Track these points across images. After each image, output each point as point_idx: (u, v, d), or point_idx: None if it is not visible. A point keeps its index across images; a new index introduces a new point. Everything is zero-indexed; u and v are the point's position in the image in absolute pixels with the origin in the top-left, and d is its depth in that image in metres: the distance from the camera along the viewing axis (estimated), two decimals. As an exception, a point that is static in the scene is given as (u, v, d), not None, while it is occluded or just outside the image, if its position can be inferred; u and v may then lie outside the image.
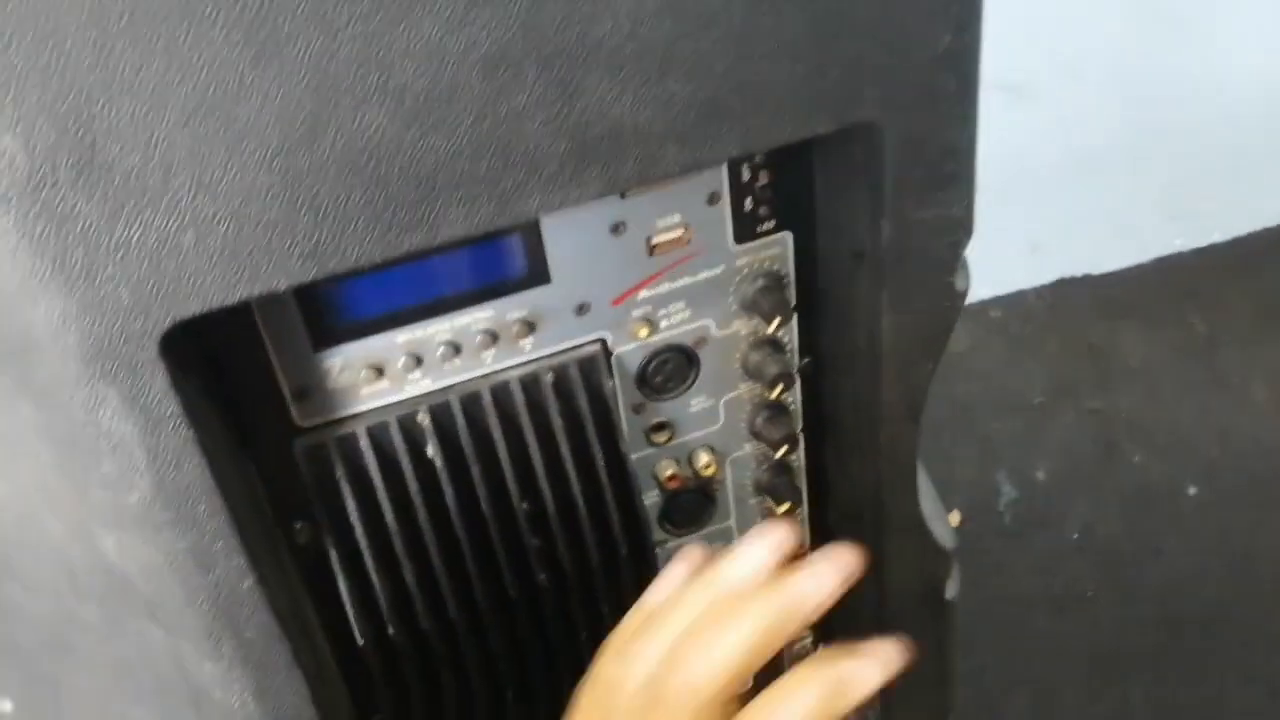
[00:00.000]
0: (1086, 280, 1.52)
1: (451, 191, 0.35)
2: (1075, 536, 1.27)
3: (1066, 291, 1.52)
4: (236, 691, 0.41)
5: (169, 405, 0.35)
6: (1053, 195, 1.39)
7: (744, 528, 0.53)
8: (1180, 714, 1.10)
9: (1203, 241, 1.52)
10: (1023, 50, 1.16)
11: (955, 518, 1.24)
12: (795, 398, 0.50)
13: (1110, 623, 1.18)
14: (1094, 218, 1.44)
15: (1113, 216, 1.44)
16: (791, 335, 0.48)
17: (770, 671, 0.36)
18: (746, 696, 0.36)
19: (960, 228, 0.43)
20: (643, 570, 0.48)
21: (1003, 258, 1.40)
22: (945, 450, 1.34)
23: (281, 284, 0.34)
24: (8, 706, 0.49)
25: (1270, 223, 1.56)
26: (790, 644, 0.57)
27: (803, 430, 0.51)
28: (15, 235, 0.31)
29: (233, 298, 0.34)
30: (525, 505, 0.46)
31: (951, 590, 0.56)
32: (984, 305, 1.51)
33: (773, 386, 0.48)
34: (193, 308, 0.34)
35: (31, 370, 0.35)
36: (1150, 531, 1.27)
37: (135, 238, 0.32)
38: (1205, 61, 1.33)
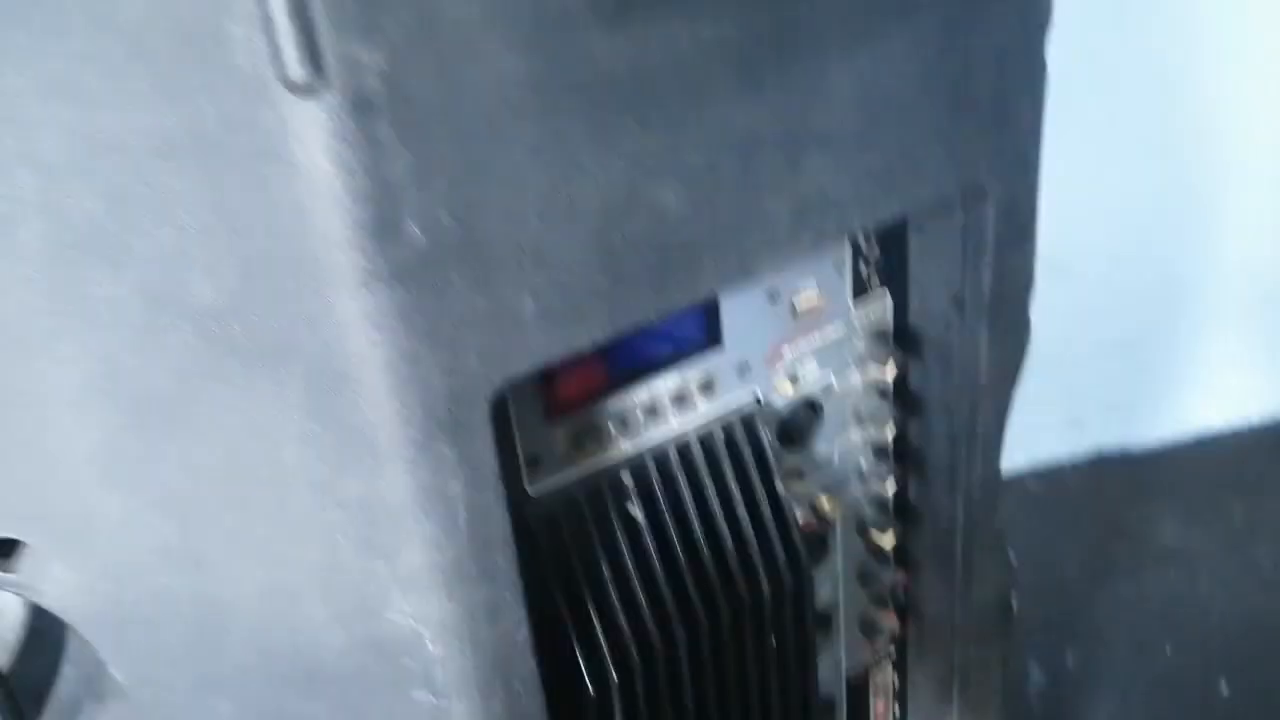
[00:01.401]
0: (1125, 458, 1.51)
1: (711, 253, 0.42)
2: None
3: (1105, 468, 1.50)
4: (505, 747, 0.45)
5: (489, 462, 0.40)
6: (1093, 371, 1.40)
7: (849, 562, 0.60)
8: None
9: (1241, 422, 1.53)
10: (1066, 232, 1.22)
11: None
12: (890, 437, 0.58)
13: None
14: (1134, 395, 1.46)
15: (1153, 394, 1.46)
16: (888, 382, 0.57)
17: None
18: None
19: (1032, 269, 0.53)
20: (803, 603, 0.54)
21: (1042, 429, 1.42)
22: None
23: (586, 341, 0.40)
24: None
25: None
26: (873, 670, 0.64)
27: (898, 464, 0.59)
28: (397, 311, 0.36)
29: (552, 356, 0.40)
30: (706, 550, 0.51)
31: (1015, 602, 0.64)
32: (1021, 477, 1.49)
33: (881, 428, 0.56)
34: (519, 367, 0.39)
35: (370, 446, 0.39)
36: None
37: (490, 306, 0.38)
38: (1233, 242, 1.36)
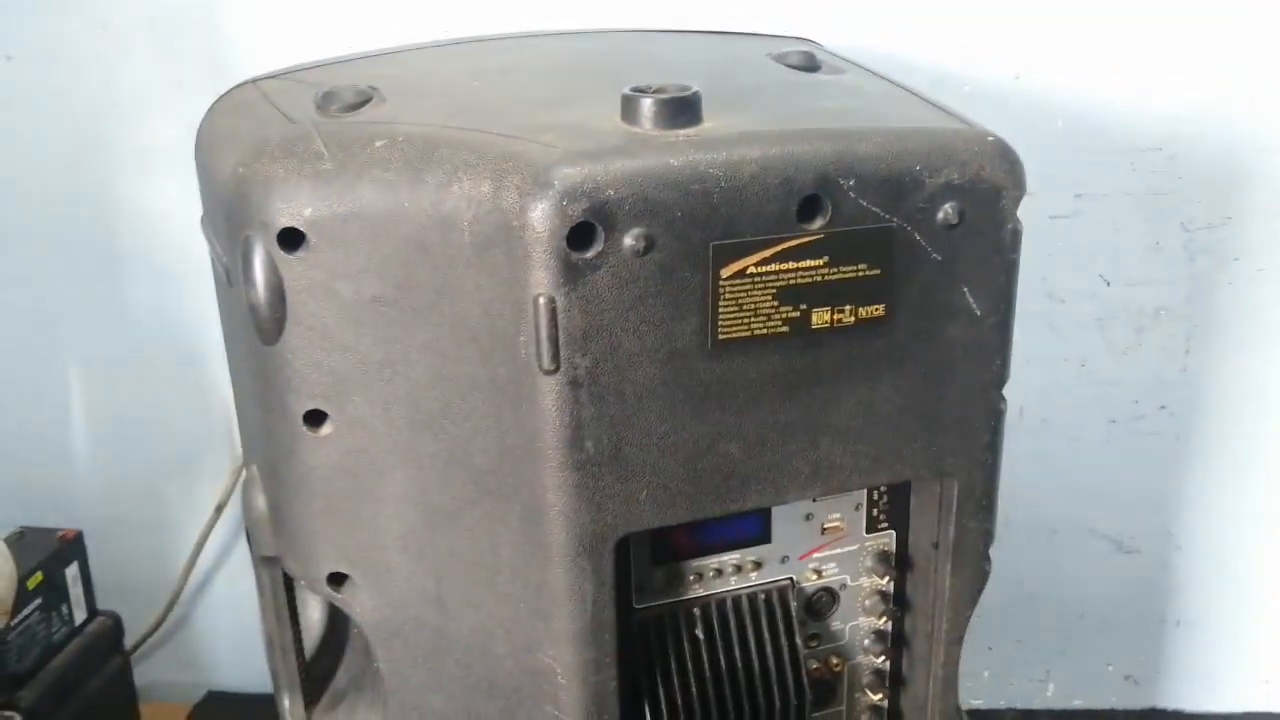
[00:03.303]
0: (1177, 715, 1.58)
1: (755, 485, 0.73)
2: None
3: (1156, 721, 1.56)
4: (594, 751, 0.75)
5: (609, 576, 0.72)
6: (1151, 639, 1.52)
7: (851, 708, 0.87)
8: None
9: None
10: (1129, 511, 1.43)
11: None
12: (886, 626, 0.86)
13: None
14: (1190, 664, 1.56)
15: (1209, 666, 1.57)
16: (890, 590, 0.85)
17: None
18: None
19: (991, 534, 0.81)
20: (801, 715, 0.83)
21: (1098, 678, 1.53)
22: None
23: (674, 520, 0.72)
24: (420, 773, 0.80)
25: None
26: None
27: (891, 649, 0.87)
28: (574, 486, 0.69)
29: (654, 524, 0.71)
30: (741, 669, 0.80)
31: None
32: (1074, 714, 1.55)
33: (881, 619, 0.84)
34: (633, 528, 0.71)
35: (546, 555, 0.71)
36: None
37: (624, 491, 0.70)
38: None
